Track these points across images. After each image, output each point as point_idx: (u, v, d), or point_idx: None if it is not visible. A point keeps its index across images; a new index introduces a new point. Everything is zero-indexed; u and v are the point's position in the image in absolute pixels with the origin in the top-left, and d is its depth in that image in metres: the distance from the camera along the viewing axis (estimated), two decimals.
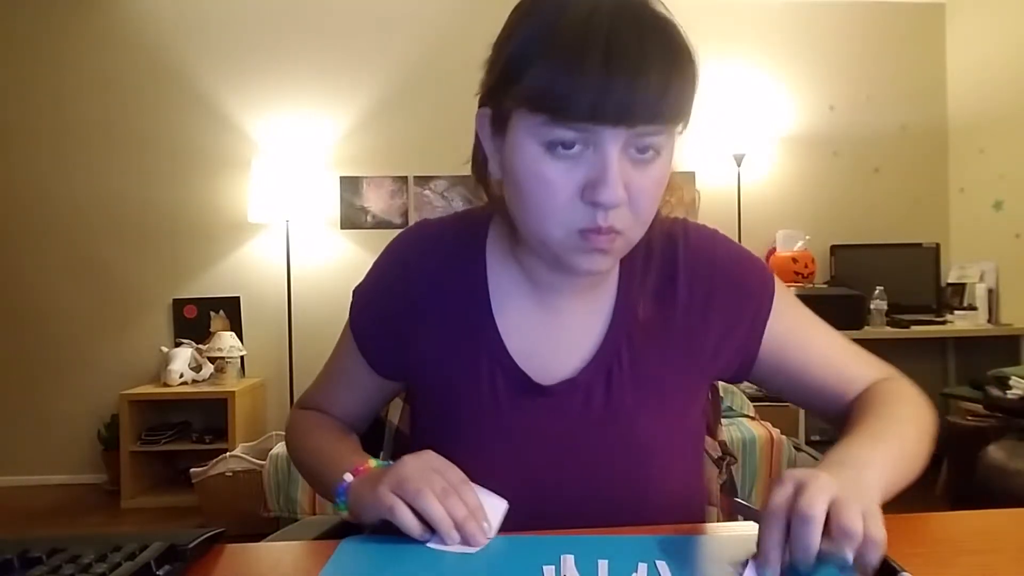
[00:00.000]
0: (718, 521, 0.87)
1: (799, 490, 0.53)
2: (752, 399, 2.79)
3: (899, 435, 0.67)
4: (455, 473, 0.65)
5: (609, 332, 0.74)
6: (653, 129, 0.61)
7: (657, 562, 0.56)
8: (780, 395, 0.81)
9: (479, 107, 0.69)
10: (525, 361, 0.74)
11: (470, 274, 0.76)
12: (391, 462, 0.69)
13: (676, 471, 0.75)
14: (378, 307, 0.80)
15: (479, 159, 0.72)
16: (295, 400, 3.59)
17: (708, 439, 0.88)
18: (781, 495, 0.53)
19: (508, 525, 0.65)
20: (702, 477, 0.82)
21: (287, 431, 0.89)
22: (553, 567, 0.56)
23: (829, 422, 0.79)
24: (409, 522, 0.61)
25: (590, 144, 0.61)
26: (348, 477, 0.70)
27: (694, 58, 0.62)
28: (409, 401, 0.90)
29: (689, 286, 0.75)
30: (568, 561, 0.56)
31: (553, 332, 0.75)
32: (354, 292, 0.83)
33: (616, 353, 0.74)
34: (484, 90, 0.68)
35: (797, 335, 0.78)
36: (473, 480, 0.66)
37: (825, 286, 3.57)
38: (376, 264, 0.81)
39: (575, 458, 0.73)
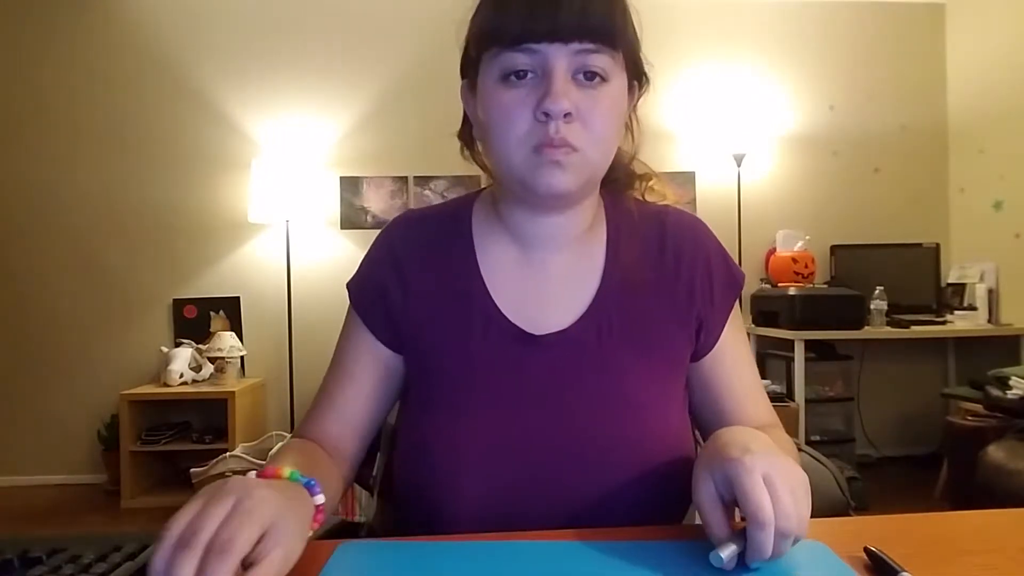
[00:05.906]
0: None
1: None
2: None
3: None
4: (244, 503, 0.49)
5: (600, 290, 0.78)
6: (591, 47, 0.68)
7: (655, 563, 0.56)
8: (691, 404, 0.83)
9: (462, 80, 0.78)
10: (516, 315, 0.77)
11: (457, 244, 0.81)
12: (302, 476, 0.61)
13: (667, 427, 0.76)
14: (372, 283, 0.82)
15: (465, 126, 0.82)
16: (295, 404, 3.57)
17: None
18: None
19: (503, 484, 0.66)
20: (692, 443, 0.82)
21: None
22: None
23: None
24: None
25: (538, 70, 0.68)
26: (252, 475, 0.58)
27: None
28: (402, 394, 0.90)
29: (676, 256, 0.81)
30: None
31: (542, 288, 0.78)
32: (348, 284, 0.85)
33: (606, 309, 0.77)
34: (462, 62, 0.77)
35: (736, 347, 0.83)
36: (467, 439, 0.68)
37: (825, 286, 3.57)
38: (366, 253, 0.85)
39: (568, 411, 0.74)
